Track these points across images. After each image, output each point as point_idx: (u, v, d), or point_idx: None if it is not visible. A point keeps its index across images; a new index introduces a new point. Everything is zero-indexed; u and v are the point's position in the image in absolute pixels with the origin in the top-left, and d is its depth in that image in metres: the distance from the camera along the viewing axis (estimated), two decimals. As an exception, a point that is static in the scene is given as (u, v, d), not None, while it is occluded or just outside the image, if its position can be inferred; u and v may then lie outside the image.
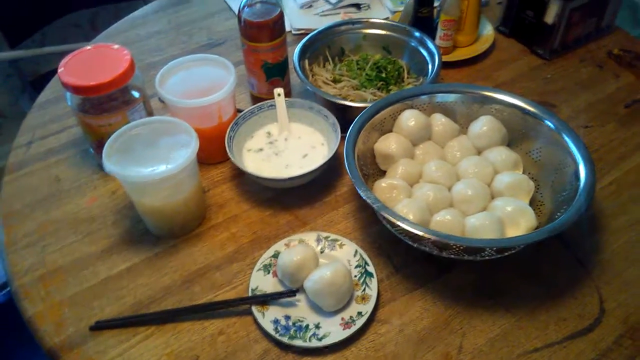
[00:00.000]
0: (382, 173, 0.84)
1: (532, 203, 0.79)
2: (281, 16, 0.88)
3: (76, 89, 0.80)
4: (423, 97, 0.86)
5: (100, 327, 0.71)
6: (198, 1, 1.29)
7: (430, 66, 0.96)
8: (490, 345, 0.68)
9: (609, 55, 1.09)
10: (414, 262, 0.76)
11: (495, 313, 0.71)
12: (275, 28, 0.88)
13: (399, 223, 0.67)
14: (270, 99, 0.91)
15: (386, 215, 0.69)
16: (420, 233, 0.66)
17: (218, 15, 1.25)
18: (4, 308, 1.34)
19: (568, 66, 1.08)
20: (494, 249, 0.68)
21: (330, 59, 1.03)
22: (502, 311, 0.71)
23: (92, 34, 1.28)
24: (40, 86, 1.12)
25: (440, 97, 0.86)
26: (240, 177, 0.89)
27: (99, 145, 0.87)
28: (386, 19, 1.09)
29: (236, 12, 1.22)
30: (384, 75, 0.98)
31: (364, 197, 0.70)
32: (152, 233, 0.81)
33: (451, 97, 0.86)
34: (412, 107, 0.85)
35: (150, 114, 0.89)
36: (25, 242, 0.81)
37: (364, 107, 0.84)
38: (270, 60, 0.91)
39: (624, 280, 0.74)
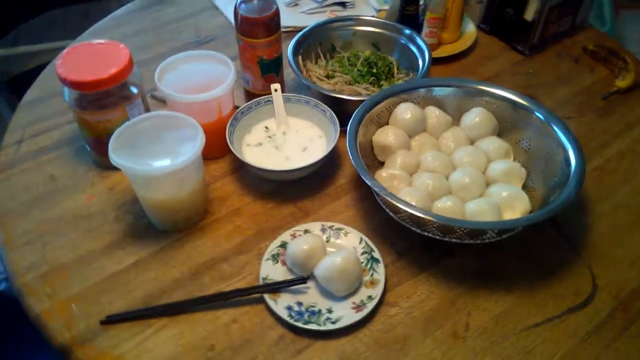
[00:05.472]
0: (380, 164, 0.87)
1: (524, 189, 0.82)
2: (277, 12, 0.90)
3: (75, 85, 0.79)
4: (417, 90, 0.89)
5: (111, 320, 0.70)
6: (179, 1, 1.29)
7: (420, 62, 0.99)
8: (495, 322, 0.71)
9: (584, 50, 1.15)
10: (415, 248, 0.79)
11: (497, 292, 0.74)
12: (271, 24, 0.89)
13: (406, 209, 0.70)
14: (264, 94, 0.92)
15: (393, 202, 0.71)
16: (428, 217, 0.69)
17: (203, 13, 1.25)
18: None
19: (547, 61, 1.13)
20: (496, 231, 0.71)
21: (322, 55, 1.06)
22: (503, 291, 0.75)
23: (65, 34, 1.26)
24: (15, 87, 1.10)
25: (435, 91, 0.89)
26: (240, 171, 0.90)
27: (96, 142, 0.87)
28: (371, 17, 1.12)
29: (222, 9, 1.24)
30: (375, 70, 1.01)
31: (370, 186, 0.73)
32: (155, 228, 0.81)
33: (445, 91, 0.89)
34: (407, 101, 0.88)
35: (147, 110, 0.89)
36: (24, 240, 0.80)
37: (360, 101, 0.86)
38: (266, 56, 0.92)
39: (612, 259, 0.79)
